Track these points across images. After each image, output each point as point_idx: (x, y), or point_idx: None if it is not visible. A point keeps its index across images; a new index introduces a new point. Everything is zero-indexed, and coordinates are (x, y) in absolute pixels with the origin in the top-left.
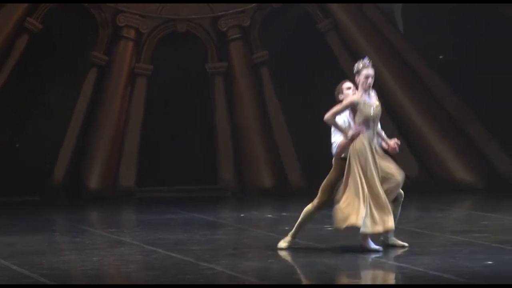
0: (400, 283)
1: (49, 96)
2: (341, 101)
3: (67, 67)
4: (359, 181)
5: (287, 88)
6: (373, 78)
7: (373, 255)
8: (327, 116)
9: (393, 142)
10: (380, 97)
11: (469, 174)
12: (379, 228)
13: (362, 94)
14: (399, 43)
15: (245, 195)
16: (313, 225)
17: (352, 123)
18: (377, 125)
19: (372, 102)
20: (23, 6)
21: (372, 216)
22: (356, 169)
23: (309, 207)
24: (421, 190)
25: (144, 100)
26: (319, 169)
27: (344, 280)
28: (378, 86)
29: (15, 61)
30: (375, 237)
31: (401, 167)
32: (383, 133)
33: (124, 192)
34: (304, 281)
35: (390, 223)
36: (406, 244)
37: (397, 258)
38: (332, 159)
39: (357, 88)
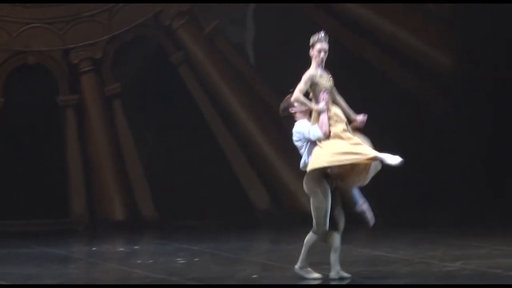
0: None
1: None
2: (292, 114)
3: None
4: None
5: (141, 121)
6: (327, 52)
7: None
8: (295, 96)
9: (361, 116)
10: (235, 131)
11: None
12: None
13: (315, 67)
14: (251, 75)
15: (97, 228)
16: (166, 258)
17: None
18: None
19: (326, 74)
20: None
21: None
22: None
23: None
24: (272, 222)
25: None
26: (173, 202)
27: None
28: (232, 120)
29: None
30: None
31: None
32: (345, 105)
33: None
34: None
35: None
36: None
37: None
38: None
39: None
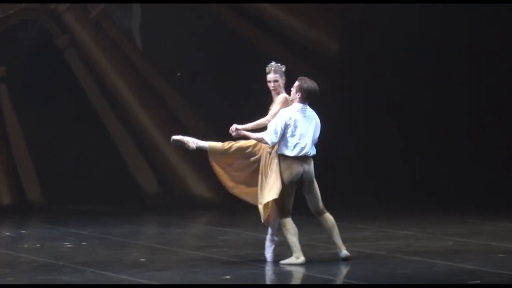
0: None
1: None
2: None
3: None
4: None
5: (27, 105)
6: (277, 81)
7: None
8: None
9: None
10: (122, 115)
11: (207, 190)
12: None
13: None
14: (138, 60)
15: None
16: (54, 242)
17: None
18: None
19: None
20: None
21: None
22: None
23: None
24: (161, 206)
25: None
26: (61, 186)
27: None
28: (119, 104)
29: None
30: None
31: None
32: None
33: None
34: None
35: None
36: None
37: (137, 273)
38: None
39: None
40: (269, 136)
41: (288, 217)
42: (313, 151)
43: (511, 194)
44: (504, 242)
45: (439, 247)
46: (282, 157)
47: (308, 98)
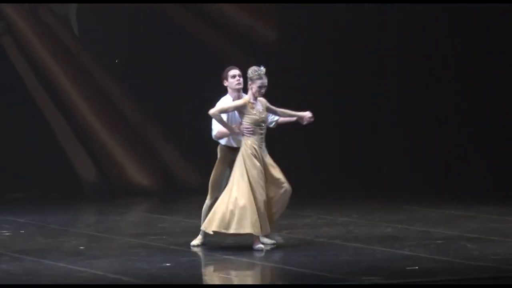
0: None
1: None
2: (225, 87)
3: None
4: (246, 184)
5: None
6: (266, 87)
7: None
8: (213, 111)
9: (307, 113)
10: (59, 102)
11: (145, 178)
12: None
13: (250, 99)
14: (75, 47)
15: None
16: None
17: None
18: (264, 131)
19: (259, 107)
20: None
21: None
22: (243, 171)
23: (205, 206)
24: (99, 194)
25: None
26: None
27: None
28: (56, 91)
29: None
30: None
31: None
32: (288, 111)
33: None
34: None
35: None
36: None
37: (76, 261)
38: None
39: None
40: None
41: None
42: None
43: (449, 181)
44: (442, 228)
45: (378, 233)
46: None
47: None
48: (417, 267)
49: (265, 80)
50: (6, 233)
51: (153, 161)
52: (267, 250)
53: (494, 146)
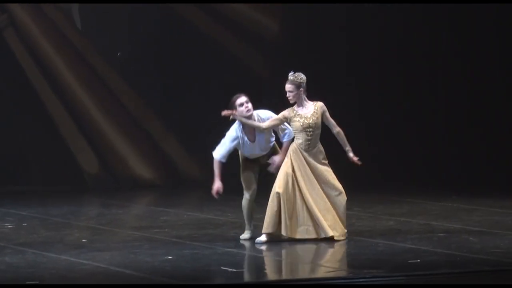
0: (82, 281)
1: None
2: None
3: None
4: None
5: None
6: (293, 92)
7: None
8: (265, 126)
9: (356, 159)
10: (62, 95)
11: (148, 171)
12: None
13: (294, 108)
14: (78, 41)
15: None
16: None
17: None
18: (315, 135)
19: (305, 112)
20: None
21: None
22: (288, 165)
23: (245, 201)
24: (102, 187)
25: None
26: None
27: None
28: (59, 84)
29: None
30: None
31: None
32: (342, 136)
33: None
34: None
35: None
36: None
37: (79, 254)
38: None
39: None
40: None
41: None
42: None
43: (451, 174)
44: (444, 221)
45: (380, 226)
46: None
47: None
48: (419, 260)
49: (287, 85)
50: (9, 225)
51: (156, 154)
52: (268, 243)
53: (496, 139)
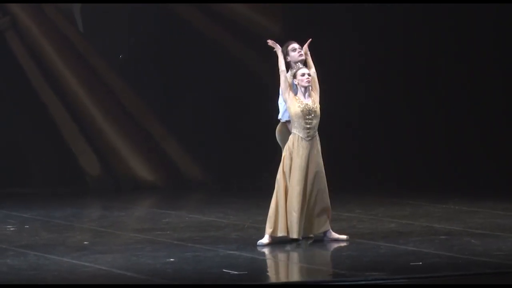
0: (83, 282)
1: None
2: (288, 62)
3: None
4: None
5: None
6: (310, 75)
7: None
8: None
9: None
10: (63, 97)
11: (150, 173)
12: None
13: (295, 89)
14: (80, 43)
15: None
16: None
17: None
18: (313, 124)
19: (304, 99)
20: None
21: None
22: (285, 165)
23: None
24: (103, 189)
25: None
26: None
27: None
28: (60, 86)
29: None
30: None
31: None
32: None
33: None
34: None
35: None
36: None
37: (80, 257)
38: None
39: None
40: None
41: None
42: None
43: (453, 176)
44: (446, 223)
45: (382, 229)
46: None
47: None
48: (421, 263)
49: (305, 70)
50: (11, 228)
51: (158, 156)
52: (270, 246)
53: (498, 140)
